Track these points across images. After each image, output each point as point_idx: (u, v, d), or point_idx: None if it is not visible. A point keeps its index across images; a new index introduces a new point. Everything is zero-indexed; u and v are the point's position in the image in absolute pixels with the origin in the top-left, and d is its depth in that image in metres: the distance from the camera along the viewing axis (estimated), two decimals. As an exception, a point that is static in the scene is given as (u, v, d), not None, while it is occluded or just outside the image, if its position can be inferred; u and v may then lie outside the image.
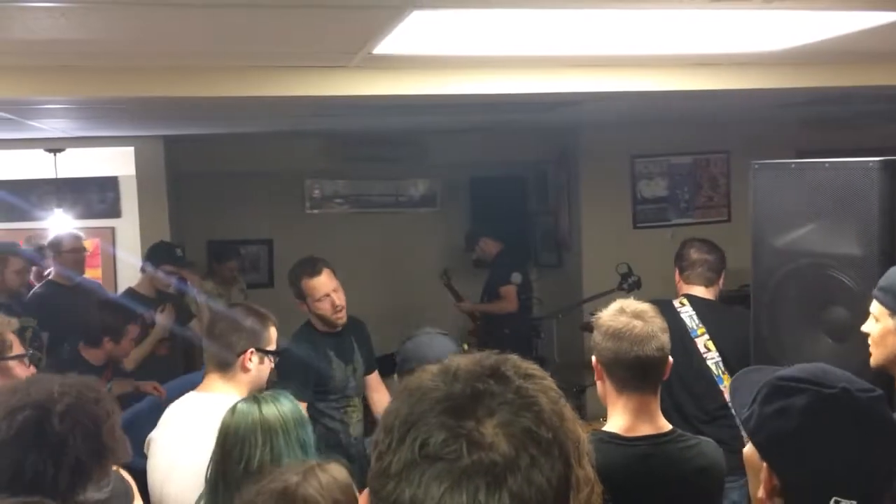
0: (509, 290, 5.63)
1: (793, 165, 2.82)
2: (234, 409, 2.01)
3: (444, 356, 2.52)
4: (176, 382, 3.71)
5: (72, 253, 4.85)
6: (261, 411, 1.97)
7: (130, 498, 2.01)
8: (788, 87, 3.23)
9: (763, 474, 1.38)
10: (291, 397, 2.09)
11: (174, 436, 2.39)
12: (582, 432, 0.85)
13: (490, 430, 0.80)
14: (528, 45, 2.50)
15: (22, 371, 2.34)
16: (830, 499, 1.30)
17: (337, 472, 1.74)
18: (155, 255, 4.77)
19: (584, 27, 2.27)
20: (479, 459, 0.78)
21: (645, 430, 2.03)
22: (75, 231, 5.14)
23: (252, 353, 2.44)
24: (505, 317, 5.64)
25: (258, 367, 2.46)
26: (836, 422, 1.33)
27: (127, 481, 2.03)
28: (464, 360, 0.89)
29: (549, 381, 0.89)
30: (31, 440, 1.63)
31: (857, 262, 2.44)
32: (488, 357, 0.89)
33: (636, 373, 2.02)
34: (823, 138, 5.93)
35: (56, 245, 4.88)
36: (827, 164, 2.60)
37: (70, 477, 1.64)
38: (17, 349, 2.35)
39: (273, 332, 2.52)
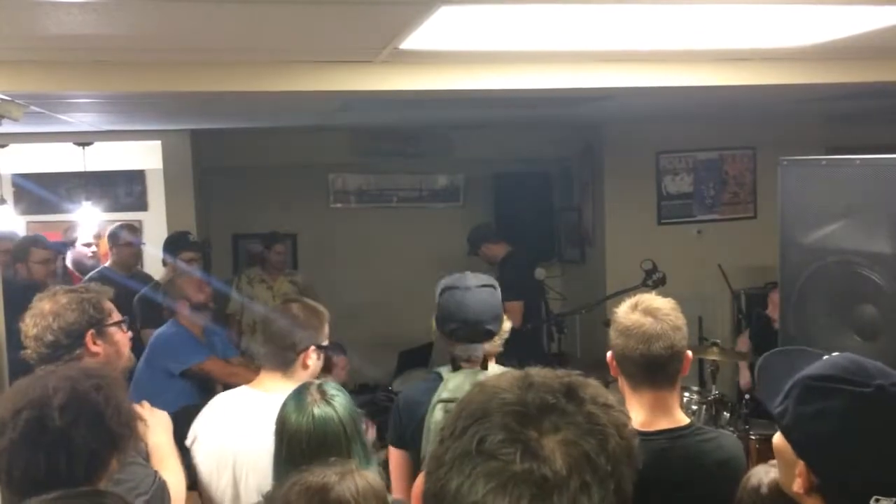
0: (514, 307, 4.98)
1: (822, 162, 2.80)
2: (309, 414, 2.02)
3: (484, 315, 2.47)
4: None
5: (127, 246, 4.96)
6: (342, 422, 2.01)
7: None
8: (817, 83, 3.19)
9: (800, 471, 1.39)
10: (341, 388, 2.14)
11: (228, 429, 2.39)
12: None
13: (550, 444, 0.80)
14: (554, 40, 2.49)
15: (121, 337, 2.39)
16: (871, 497, 1.31)
17: (373, 479, 1.77)
18: (171, 245, 4.85)
19: (611, 22, 2.26)
20: (531, 469, 0.79)
21: (662, 424, 2.03)
22: (132, 224, 5.25)
23: (313, 350, 2.47)
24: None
25: (315, 363, 2.49)
26: (875, 422, 1.34)
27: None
28: (544, 372, 0.89)
29: (626, 418, 0.88)
30: (36, 439, 1.64)
31: (888, 259, 2.41)
32: (569, 375, 0.89)
33: (644, 370, 2.01)
34: (852, 134, 5.86)
35: (114, 237, 5.00)
36: (857, 161, 2.57)
37: (85, 467, 1.66)
38: (116, 316, 2.40)
39: (327, 327, 2.55)
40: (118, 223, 5.25)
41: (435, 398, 2.28)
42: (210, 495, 2.38)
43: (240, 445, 2.33)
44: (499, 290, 2.49)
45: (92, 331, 2.28)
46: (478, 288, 2.41)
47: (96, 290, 2.40)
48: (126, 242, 4.98)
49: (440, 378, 2.36)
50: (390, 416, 2.50)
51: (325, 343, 2.53)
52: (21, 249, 4.72)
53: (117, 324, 2.38)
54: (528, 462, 0.79)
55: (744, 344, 5.18)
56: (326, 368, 3.88)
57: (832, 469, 1.36)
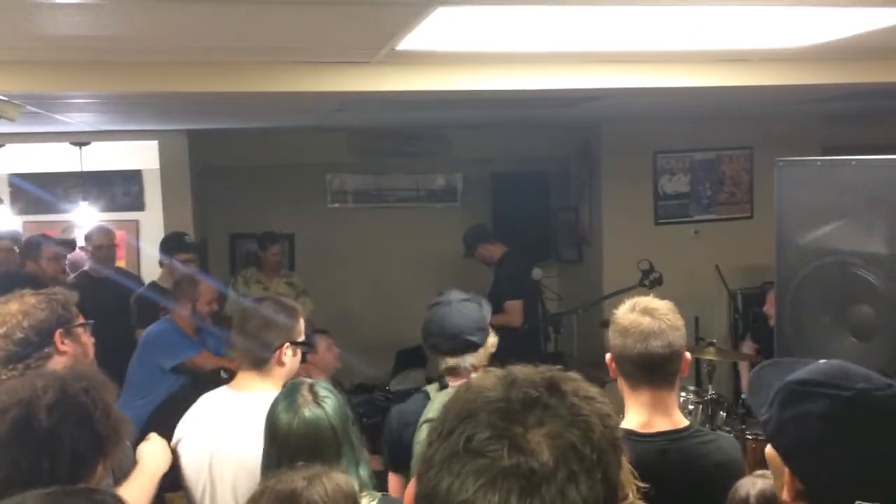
0: (514, 306, 5.14)
1: (818, 162, 2.80)
2: (300, 416, 2.01)
3: (465, 327, 2.48)
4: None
5: (100, 248, 4.95)
6: (332, 423, 2.00)
7: None
8: (813, 84, 3.20)
9: (785, 478, 1.39)
10: (331, 387, 2.13)
11: (210, 433, 2.39)
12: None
13: (536, 438, 0.82)
14: (551, 41, 2.50)
15: (87, 339, 2.41)
16: (854, 502, 1.30)
17: (342, 481, 1.77)
18: (167, 245, 4.85)
19: (608, 23, 2.26)
20: (518, 463, 0.80)
21: (661, 425, 2.03)
22: (105, 225, 5.22)
23: (287, 347, 2.45)
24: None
25: (291, 360, 2.48)
26: (856, 425, 1.33)
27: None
28: (526, 370, 0.91)
29: (609, 408, 0.90)
30: (21, 438, 1.63)
31: (884, 260, 2.42)
32: (550, 370, 0.91)
33: (642, 369, 2.01)
34: (849, 135, 5.87)
35: (87, 239, 4.99)
36: (853, 162, 2.58)
37: (69, 469, 1.65)
38: (81, 319, 2.41)
39: (302, 323, 2.55)
40: (96, 225, 5.23)
41: (422, 418, 2.30)
42: (192, 496, 2.39)
43: (216, 445, 2.34)
44: (486, 305, 2.51)
45: (61, 330, 2.29)
46: (460, 302, 2.43)
47: (63, 293, 2.42)
48: (97, 245, 4.95)
49: (428, 397, 2.38)
50: (383, 437, 2.51)
51: (301, 339, 2.52)
52: (32, 246, 4.73)
53: (82, 325, 2.39)
54: (515, 457, 0.80)
55: (749, 347, 5.18)
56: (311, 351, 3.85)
57: (814, 473, 1.36)
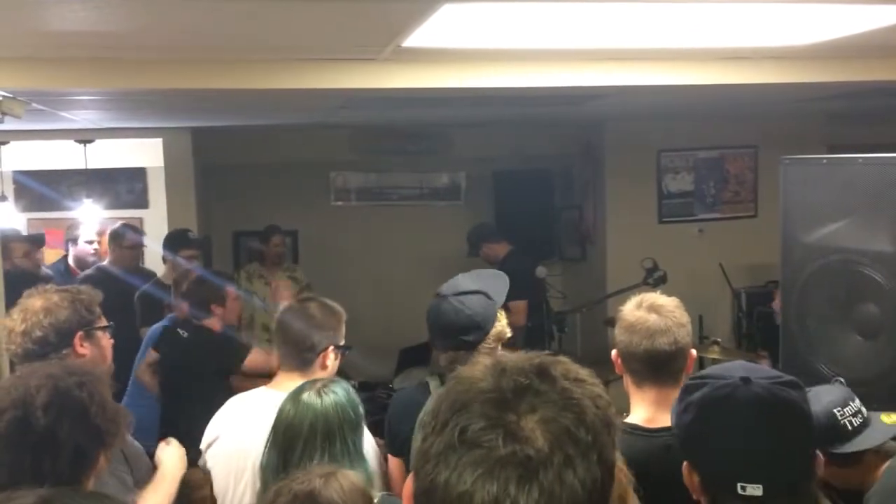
0: (518, 306, 4.99)
1: (824, 160, 2.80)
2: (297, 402, 2.01)
3: (457, 324, 2.41)
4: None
5: (130, 249, 4.94)
6: (324, 414, 1.98)
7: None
8: (818, 82, 3.19)
9: (685, 474, 1.45)
10: (349, 389, 2.10)
11: (246, 430, 2.35)
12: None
13: (530, 424, 0.82)
14: (557, 39, 2.50)
15: (106, 342, 2.38)
16: (736, 485, 1.36)
17: (355, 478, 1.78)
18: (170, 242, 4.85)
19: (613, 20, 2.26)
20: (514, 452, 0.80)
21: (666, 421, 2.01)
22: (135, 227, 5.23)
23: (332, 350, 2.44)
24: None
25: (333, 364, 2.46)
26: (730, 410, 1.40)
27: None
28: (515, 357, 0.91)
29: (600, 389, 0.90)
30: (21, 439, 1.62)
31: (889, 258, 2.42)
32: (538, 356, 0.91)
33: (648, 366, 2.02)
34: (854, 133, 5.86)
35: (117, 238, 4.96)
36: (859, 160, 2.57)
37: (71, 465, 1.64)
38: (103, 321, 2.39)
39: (344, 326, 2.52)
40: (121, 222, 5.24)
41: (419, 419, 2.27)
42: (226, 496, 2.35)
43: (258, 445, 2.28)
44: (495, 295, 2.38)
45: (81, 332, 2.26)
46: (457, 296, 2.30)
47: (88, 293, 2.37)
48: (128, 245, 4.93)
49: (428, 390, 2.33)
50: (384, 424, 2.49)
51: (343, 342, 2.50)
52: (3, 248, 4.72)
53: (104, 328, 2.36)
54: (511, 445, 0.80)
55: (762, 357, 5.15)
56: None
57: (697, 459, 1.42)
